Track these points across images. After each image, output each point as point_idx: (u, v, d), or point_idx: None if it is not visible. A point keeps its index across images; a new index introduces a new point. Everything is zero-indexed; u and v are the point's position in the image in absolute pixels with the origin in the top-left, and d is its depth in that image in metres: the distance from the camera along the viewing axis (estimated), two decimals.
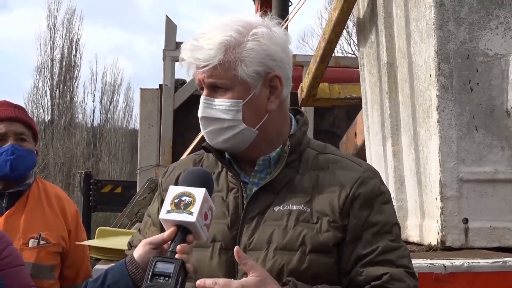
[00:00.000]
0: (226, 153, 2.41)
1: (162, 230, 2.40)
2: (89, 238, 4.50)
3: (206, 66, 2.28)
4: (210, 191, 2.16)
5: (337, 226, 2.27)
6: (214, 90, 2.32)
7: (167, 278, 1.99)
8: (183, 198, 2.10)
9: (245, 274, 2.23)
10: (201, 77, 2.32)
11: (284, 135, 2.39)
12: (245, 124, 2.31)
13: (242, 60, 2.29)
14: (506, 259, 3.37)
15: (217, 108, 2.31)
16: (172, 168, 2.55)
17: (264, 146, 2.36)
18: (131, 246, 2.51)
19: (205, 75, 2.30)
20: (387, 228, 2.30)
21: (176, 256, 2.04)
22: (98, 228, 4.19)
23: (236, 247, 2.15)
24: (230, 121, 2.31)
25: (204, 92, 2.33)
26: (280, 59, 2.35)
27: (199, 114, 2.34)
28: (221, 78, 2.29)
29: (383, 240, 2.28)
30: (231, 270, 2.26)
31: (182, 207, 2.08)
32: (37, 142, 3.91)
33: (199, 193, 2.10)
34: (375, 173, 2.39)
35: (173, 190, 2.13)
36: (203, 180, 2.18)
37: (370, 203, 2.30)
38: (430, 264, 3.27)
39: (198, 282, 2.09)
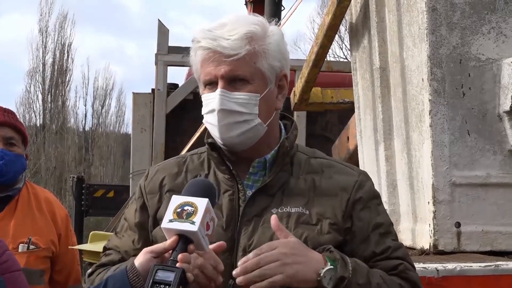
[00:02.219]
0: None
1: (140, 233, 2.44)
2: (81, 242, 4.50)
3: (233, 56, 2.27)
4: (212, 202, 2.17)
5: (338, 229, 2.30)
6: (232, 83, 2.31)
7: (167, 287, 2.00)
8: (186, 208, 2.11)
9: None
10: (218, 71, 2.30)
11: (277, 137, 2.41)
12: (259, 119, 2.33)
13: (265, 53, 2.32)
14: (498, 262, 3.37)
15: (235, 101, 2.30)
16: (155, 171, 2.52)
17: (263, 146, 2.38)
18: (107, 249, 2.51)
19: (227, 67, 2.28)
20: (389, 228, 2.40)
21: (177, 265, 2.04)
22: (91, 233, 4.20)
23: (273, 216, 2.20)
24: (248, 114, 2.32)
25: (220, 84, 2.30)
26: (288, 60, 2.42)
27: (216, 107, 2.30)
28: (244, 70, 2.30)
29: (388, 239, 2.36)
30: (228, 271, 2.26)
31: (184, 217, 2.09)
32: (27, 147, 3.90)
33: (201, 203, 2.11)
34: (367, 176, 2.47)
35: (176, 200, 2.14)
36: (206, 191, 2.19)
37: (368, 205, 2.37)
38: (422, 268, 3.28)
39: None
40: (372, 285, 2.21)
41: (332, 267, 2.17)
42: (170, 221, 2.10)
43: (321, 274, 2.15)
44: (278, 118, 2.46)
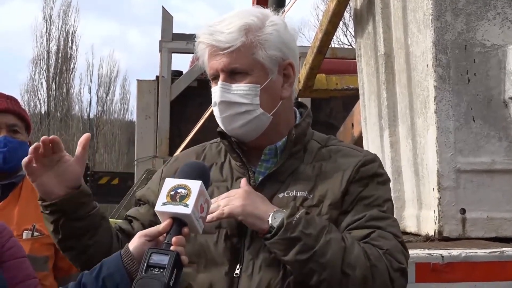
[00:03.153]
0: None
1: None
2: None
3: (228, 48, 2.30)
4: (206, 184, 2.17)
5: (336, 206, 2.31)
6: (232, 75, 2.34)
7: (161, 270, 1.99)
8: (179, 191, 2.10)
9: (251, 260, 2.28)
10: (218, 64, 2.34)
11: (290, 125, 2.43)
12: (261, 109, 2.34)
13: (262, 44, 2.34)
14: (504, 249, 3.37)
15: (235, 93, 2.34)
16: (175, 159, 2.59)
17: (273, 134, 2.40)
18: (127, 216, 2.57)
19: (224, 60, 2.32)
20: (378, 201, 2.35)
21: (171, 248, 2.03)
22: None
23: (243, 178, 2.32)
24: (248, 105, 2.34)
25: (221, 77, 2.34)
26: (293, 48, 2.42)
27: (217, 99, 2.35)
28: (241, 62, 2.32)
29: (372, 210, 2.32)
30: (236, 256, 2.30)
31: (178, 199, 2.08)
32: (30, 133, 3.89)
33: (195, 185, 2.10)
34: (375, 158, 2.44)
35: (169, 183, 2.13)
36: (200, 173, 2.18)
37: (365, 182, 2.36)
38: (427, 254, 3.27)
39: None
40: (321, 238, 2.20)
41: (281, 211, 2.24)
42: (164, 204, 2.09)
43: (271, 215, 2.22)
44: (291, 106, 2.48)
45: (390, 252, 2.26)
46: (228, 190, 2.37)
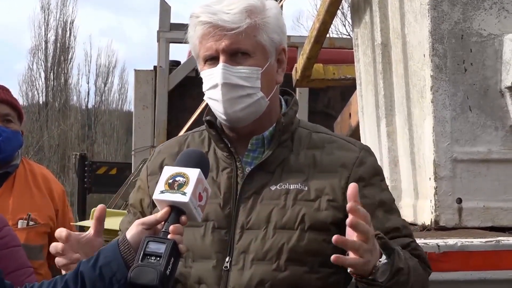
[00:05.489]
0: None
1: (134, 214, 2.49)
2: (84, 219, 4.50)
3: (235, 29, 2.27)
4: (205, 172, 2.16)
5: (338, 206, 2.27)
6: (233, 57, 2.30)
7: (158, 258, 1.98)
8: (177, 179, 2.09)
9: (242, 254, 2.25)
10: (218, 45, 2.29)
11: (277, 113, 2.40)
12: (261, 92, 2.32)
13: (265, 26, 2.32)
14: (499, 238, 3.38)
15: (237, 75, 2.29)
16: (157, 152, 2.53)
17: (264, 121, 2.37)
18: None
19: (227, 41, 2.28)
20: (392, 205, 2.40)
21: (169, 236, 2.03)
22: (93, 209, 4.20)
23: (353, 184, 2.08)
24: (250, 88, 2.31)
25: (222, 59, 2.29)
26: (285, 34, 2.42)
27: (219, 81, 2.29)
28: (246, 43, 2.29)
29: (393, 216, 2.37)
30: (224, 249, 2.27)
31: (176, 188, 2.07)
32: (22, 122, 3.89)
33: (193, 173, 2.09)
34: (369, 152, 2.44)
35: (168, 171, 2.12)
36: (199, 161, 2.17)
37: (371, 182, 2.36)
38: (423, 243, 3.27)
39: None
40: (410, 269, 2.20)
41: (386, 260, 2.11)
42: (162, 192, 2.08)
43: (377, 266, 2.10)
44: (279, 93, 2.45)
45: (425, 260, 2.39)
46: (213, 180, 2.34)
